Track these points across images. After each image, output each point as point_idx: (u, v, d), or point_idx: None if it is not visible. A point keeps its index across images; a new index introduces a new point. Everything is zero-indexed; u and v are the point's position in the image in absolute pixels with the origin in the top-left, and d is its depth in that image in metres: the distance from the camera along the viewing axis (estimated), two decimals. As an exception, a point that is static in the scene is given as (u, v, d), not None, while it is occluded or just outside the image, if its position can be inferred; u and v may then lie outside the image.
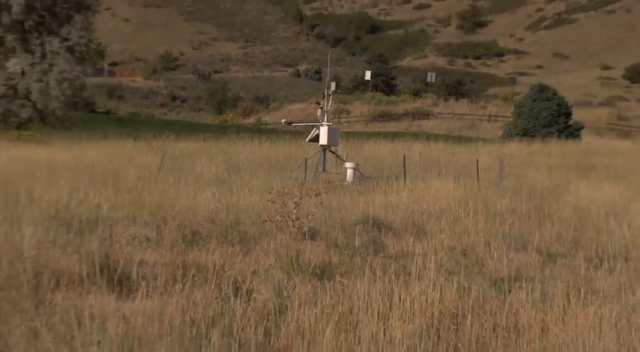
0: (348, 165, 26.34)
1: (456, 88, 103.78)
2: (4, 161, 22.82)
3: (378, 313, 8.66)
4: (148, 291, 9.07)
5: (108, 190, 17.15)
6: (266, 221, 14.56)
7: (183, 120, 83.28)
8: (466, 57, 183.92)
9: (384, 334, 8.14)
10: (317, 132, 28.82)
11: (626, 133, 70.51)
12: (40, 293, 9.06)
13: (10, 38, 44.69)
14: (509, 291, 9.89)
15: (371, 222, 15.57)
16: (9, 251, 10.02)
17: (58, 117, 45.33)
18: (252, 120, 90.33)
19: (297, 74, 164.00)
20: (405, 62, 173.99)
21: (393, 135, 44.66)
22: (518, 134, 53.69)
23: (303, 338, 8.10)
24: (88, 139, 31.89)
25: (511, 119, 61.39)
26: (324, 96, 29.77)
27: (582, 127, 58.74)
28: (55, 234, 11.83)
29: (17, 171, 19.74)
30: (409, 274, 10.03)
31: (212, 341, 7.38)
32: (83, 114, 56.96)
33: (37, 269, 9.64)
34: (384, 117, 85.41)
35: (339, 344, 7.86)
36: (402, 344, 7.91)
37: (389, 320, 8.53)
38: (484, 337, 8.45)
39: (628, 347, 7.48)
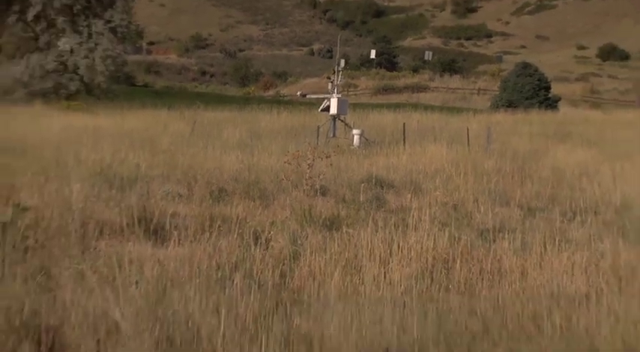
0: (354, 131, 26.29)
1: (449, 65, 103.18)
2: (56, 127, 22.82)
3: (380, 259, 8.67)
4: (179, 239, 9.09)
5: (145, 153, 17.16)
6: (283, 180, 14.56)
7: (211, 92, 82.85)
8: (459, 38, 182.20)
9: (385, 276, 8.16)
10: (328, 103, 28.80)
11: (598, 105, 69.98)
12: (86, 241, 9.10)
13: (60, 20, 44.62)
14: (494, 240, 9.89)
15: (374, 180, 15.55)
16: (59, 204, 10.06)
17: (103, 89, 45.34)
18: (271, 92, 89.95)
19: (311, 53, 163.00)
20: (406, 42, 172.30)
21: (395, 106, 44.48)
22: (503, 105, 53.35)
23: (314, 279, 8.11)
24: (128, 109, 31.82)
25: (498, 92, 61.00)
26: (335, 72, 29.71)
27: (560, 99, 58.29)
28: (99, 189, 11.87)
29: (66, 136, 19.75)
30: (407, 225, 10.01)
31: (235, 282, 7.39)
32: (124, 87, 56.75)
33: (84, 220, 9.67)
34: (387, 90, 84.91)
35: (345, 284, 7.88)
36: (400, 285, 7.92)
37: (389, 264, 8.54)
38: (471, 279, 8.46)
39: (596, 288, 7.48)
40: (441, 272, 8.48)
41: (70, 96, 42.80)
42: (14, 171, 12.94)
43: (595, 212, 12.39)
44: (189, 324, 6.26)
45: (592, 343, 6.09)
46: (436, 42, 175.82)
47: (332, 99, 28.55)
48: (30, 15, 44.45)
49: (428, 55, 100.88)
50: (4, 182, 11.71)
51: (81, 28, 44.59)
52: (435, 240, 9.25)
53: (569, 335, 6.33)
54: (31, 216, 9.18)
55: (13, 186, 11.41)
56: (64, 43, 44.17)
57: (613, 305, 6.72)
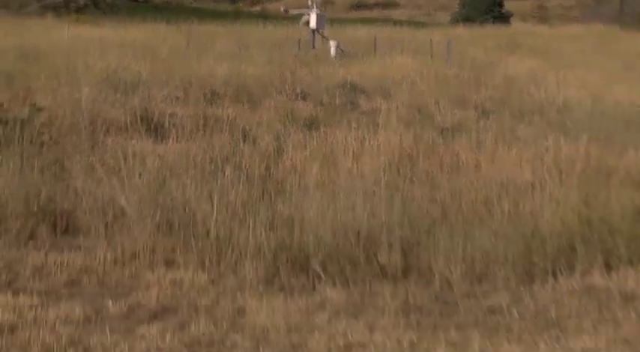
0: (331, 43, 25.97)
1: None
2: (66, 38, 22.38)
3: (353, 154, 8.69)
4: (177, 136, 9.10)
5: (146, 61, 16.87)
6: (268, 85, 14.43)
7: (205, 8, 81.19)
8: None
9: (357, 169, 8.16)
10: (308, 18, 28.46)
11: (545, 19, 69.29)
12: (95, 137, 9.08)
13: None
14: (453, 138, 9.90)
15: (349, 86, 15.46)
16: (71, 105, 10.00)
17: (108, 4, 44.73)
18: (258, 8, 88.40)
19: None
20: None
21: (368, 21, 43.86)
22: (462, 20, 52.72)
23: (295, 172, 8.11)
24: (130, 22, 31.18)
25: (457, 9, 60.37)
26: (315, -11, 29.31)
27: (512, 15, 57.86)
28: (105, 93, 11.78)
29: (75, 45, 19.39)
30: (377, 125, 9.99)
31: (226, 173, 7.38)
32: (127, 2, 55.37)
33: (92, 119, 9.65)
34: (360, 7, 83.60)
35: (322, 176, 7.88)
36: (371, 176, 7.93)
37: (361, 159, 8.55)
38: (432, 172, 8.48)
39: (540, 179, 7.53)
40: (406, 166, 8.50)
41: (78, 10, 42.01)
42: (30, 75, 12.78)
43: (540, 113, 12.38)
44: (186, 210, 6.30)
45: (536, 225, 6.18)
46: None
47: (312, 15, 28.20)
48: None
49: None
50: (21, 85, 11.57)
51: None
52: (401, 137, 9.26)
53: (517, 218, 6.42)
54: (46, 115, 9.15)
55: (29, 88, 11.26)
56: (73, -37, 43.17)
57: (554, 193, 6.79)
